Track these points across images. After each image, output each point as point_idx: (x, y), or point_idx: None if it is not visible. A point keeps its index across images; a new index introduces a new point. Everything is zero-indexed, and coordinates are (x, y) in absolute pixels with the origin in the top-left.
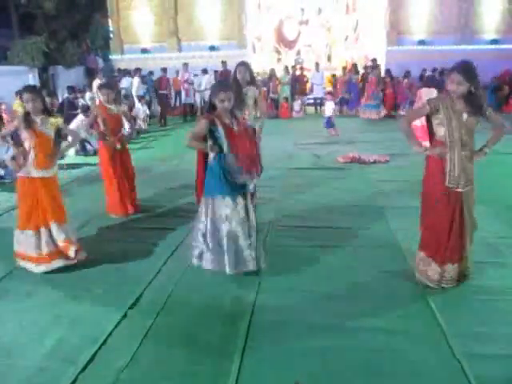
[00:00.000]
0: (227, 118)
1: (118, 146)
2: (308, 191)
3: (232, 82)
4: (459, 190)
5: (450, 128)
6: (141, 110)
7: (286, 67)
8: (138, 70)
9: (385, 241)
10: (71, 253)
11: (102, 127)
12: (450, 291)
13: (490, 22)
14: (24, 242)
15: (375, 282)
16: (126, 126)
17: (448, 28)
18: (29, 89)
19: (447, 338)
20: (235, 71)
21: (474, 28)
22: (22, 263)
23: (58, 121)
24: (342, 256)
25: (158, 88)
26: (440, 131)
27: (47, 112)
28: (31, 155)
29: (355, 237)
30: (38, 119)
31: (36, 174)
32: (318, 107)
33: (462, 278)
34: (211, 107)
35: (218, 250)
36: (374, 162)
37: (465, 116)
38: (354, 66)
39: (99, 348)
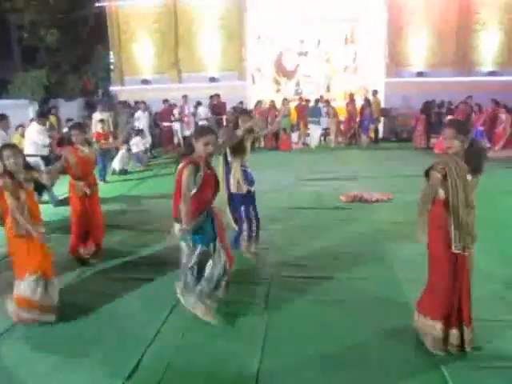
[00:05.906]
0: (202, 163)
1: (88, 191)
2: (310, 235)
3: (233, 127)
4: (466, 253)
5: (454, 190)
6: (140, 143)
7: (285, 99)
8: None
9: (391, 294)
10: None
11: (73, 170)
12: (464, 357)
13: (487, 54)
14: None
15: (383, 345)
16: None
17: (446, 60)
18: (8, 146)
19: None
20: (237, 117)
21: (471, 60)
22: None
23: (33, 173)
24: (347, 313)
25: (160, 120)
26: (441, 193)
27: (28, 167)
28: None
29: (359, 289)
30: (21, 176)
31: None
32: (322, 138)
33: (466, 344)
34: (190, 149)
35: None
36: (377, 201)
37: (469, 177)
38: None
39: None
